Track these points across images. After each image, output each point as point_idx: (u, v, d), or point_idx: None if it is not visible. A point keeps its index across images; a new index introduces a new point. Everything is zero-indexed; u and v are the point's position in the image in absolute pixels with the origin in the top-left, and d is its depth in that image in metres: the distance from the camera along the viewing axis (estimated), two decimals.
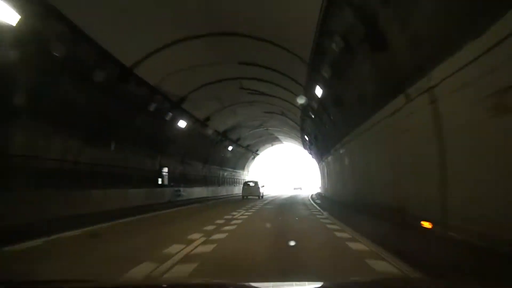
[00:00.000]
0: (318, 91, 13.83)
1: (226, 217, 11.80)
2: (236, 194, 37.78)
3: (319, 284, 2.96)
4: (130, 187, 17.02)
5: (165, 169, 22.37)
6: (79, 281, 2.65)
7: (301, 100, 20.87)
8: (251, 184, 28.32)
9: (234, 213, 13.22)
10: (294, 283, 3.04)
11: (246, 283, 2.66)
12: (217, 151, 32.06)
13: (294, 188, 62.53)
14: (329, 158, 21.38)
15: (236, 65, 17.07)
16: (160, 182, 21.28)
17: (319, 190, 44.93)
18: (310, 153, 38.46)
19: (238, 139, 35.08)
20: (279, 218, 11.76)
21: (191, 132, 24.27)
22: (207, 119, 24.78)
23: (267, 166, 63.78)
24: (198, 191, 26.66)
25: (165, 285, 2.80)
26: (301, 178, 69.03)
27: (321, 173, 32.34)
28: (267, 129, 35.76)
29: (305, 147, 37.84)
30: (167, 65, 15.60)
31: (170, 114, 19.51)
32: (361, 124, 11.64)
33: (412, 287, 2.55)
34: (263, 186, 29.63)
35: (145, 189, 18.29)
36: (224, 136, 31.12)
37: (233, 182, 40.74)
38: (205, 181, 30.67)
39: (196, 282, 3.21)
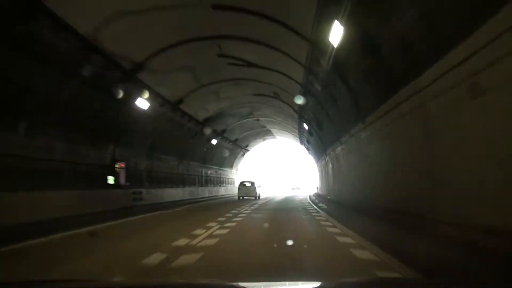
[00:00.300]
0: (335, 35, 8.55)
1: (177, 243, 6.52)
2: (221, 195, 32.45)
3: (316, 284, 2.68)
4: (57, 189, 11.59)
5: (121, 165, 16.94)
6: (79, 281, 2.59)
7: (299, 100, 17.64)
8: (247, 184, 27.06)
9: (200, 232, 7.97)
10: (287, 282, 2.89)
11: (237, 283, 2.47)
12: (198, 144, 26.67)
13: (292, 188, 59.94)
14: (339, 149, 16.16)
15: (209, 10, 11.71)
16: (112, 181, 15.85)
17: (316, 191, 40.19)
18: (308, 148, 33.38)
19: (224, 131, 29.73)
20: (273, 246, 6.46)
21: (159, 117, 18.91)
22: (180, 101, 19.39)
23: (259, 164, 58.93)
24: (171, 193, 21.26)
25: (160, 285, 2.60)
26: (298, 177, 65.47)
27: (322, 171, 27.14)
28: (258, 120, 30.45)
29: (302, 141, 32.69)
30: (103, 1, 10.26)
31: (122, 86, 14.10)
32: (421, 74, 6.41)
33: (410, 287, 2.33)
34: (259, 186, 28.34)
35: (83, 191, 12.86)
36: (206, 126, 25.72)
37: (219, 182, 35.36)
38: (183, 181, 25.27)
39: (194, 283, 2.90)
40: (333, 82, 11.96)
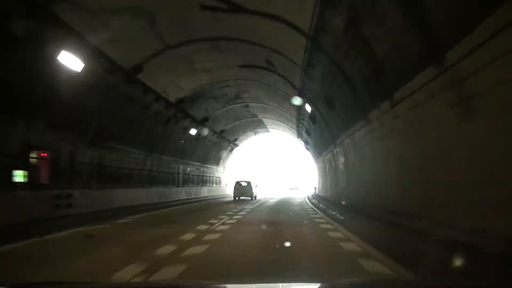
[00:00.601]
0: None
1: None
2: (204, 197, 27.21)
3: (314, 285, 2.67)
4: None
5: (43, 154, 11.64)
6: (79, 283, 2.54)
7: (296, 101, 16.78)
8: (243, 184, 26.01)
9: None
10: (280, 284, 2.69)
11: (230, 284, 2.50)
12: (173, 134, 21.38)
13: (290, 189, 56.12)
14: (362, 132, 10.96)
15: None
16: (22, 178, 10.52)
17: (314, 192, 35.54)
18: (306, 142, 28.39)
19: (206, 120, 24.43)
20: None
21: (109, 90, 13.71)
22: (138, 68, 14.08)
23: (251, 161, 54.04)
24: (127, 196, 15.95)
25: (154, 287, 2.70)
26: (296, 177, 61.73)
27: (327, 168, 22.01)
28: (247, 106, 25.20)
29: (299, 134, 27.63)
30: None
31: (26, 24, 8.81)
32: None
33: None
34: (256, 186, 27.48)
35: None
36: (181, 111, 20.46)
37: (202, 181, 30.03)
38: (152, 179, 19.94)
39: (186, 284, 2.85)
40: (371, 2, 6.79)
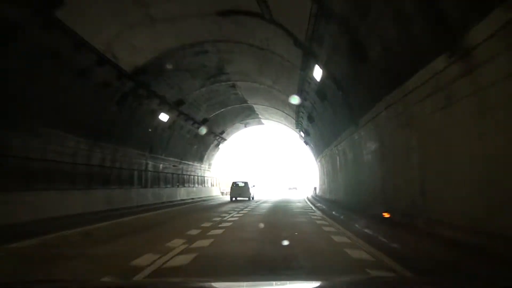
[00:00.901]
0: None
1: None
2: (181, 201, 22.00)
3: (311, 284, 2.48)
4: None
5: None
6: (79, 282, 2.64)
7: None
8: (240, 184, 25.47)
9: None
10: (274, 282, 2.60)
11: (226, 283, 2.45)
12: (134, 118, 16.16)
13: (289, 189, 52.78)
14: (429, 87, 5.91)
15: None
16: None
17: (314, 192, 30.98)
18: (307, 133, 23.41)
19: (181, 103, 19.20)
20: None
21: (8, 32, 8.53)
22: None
23: (242, 158, 49.17)
24: (44, 201, 10.61)
25: (150, 286, 2.59)
26: (294, 175, 58.17)
27: (337, 162, 16.95)
28: (233, 86, 19.95)
29: (298, 121, 22.56)
30: None
31: None
32: None
33: (407, 287, 2.27)
34: (253, 186, 27.03)
35: None
36: (143, 86, 15.24)
37: (179, 180, 24.72)
38: (98, 178, 14.65)
39: (183, 284, 2.82)
40: None
